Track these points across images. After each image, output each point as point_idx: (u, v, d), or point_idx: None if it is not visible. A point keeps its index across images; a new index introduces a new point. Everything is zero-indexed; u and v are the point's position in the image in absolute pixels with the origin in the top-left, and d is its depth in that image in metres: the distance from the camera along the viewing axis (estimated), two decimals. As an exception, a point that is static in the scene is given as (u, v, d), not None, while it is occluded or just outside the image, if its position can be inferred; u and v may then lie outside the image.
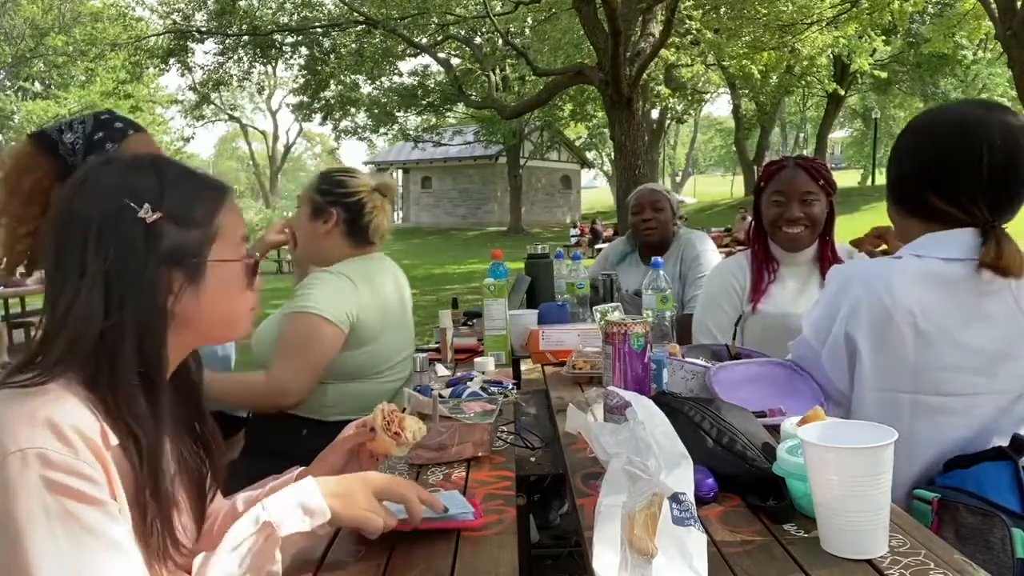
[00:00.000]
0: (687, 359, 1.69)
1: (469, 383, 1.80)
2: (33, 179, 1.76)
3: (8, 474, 0.78)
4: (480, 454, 1.35)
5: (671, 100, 20.93)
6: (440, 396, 1.57)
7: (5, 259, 1.81)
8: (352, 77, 20.07)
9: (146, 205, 0.90)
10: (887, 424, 0.93)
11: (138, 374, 0.89)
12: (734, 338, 1.80)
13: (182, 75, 19.22)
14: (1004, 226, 1.32)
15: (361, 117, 23.59)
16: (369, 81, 21.46)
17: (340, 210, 1.97)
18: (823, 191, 2.13)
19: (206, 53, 19.76)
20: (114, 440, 0.85)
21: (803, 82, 24.41)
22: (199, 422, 1.07)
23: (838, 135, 47.68)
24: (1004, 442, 1.25)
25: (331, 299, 1.86)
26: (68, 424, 0.82)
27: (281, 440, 1.81)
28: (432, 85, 23.84)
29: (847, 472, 0.89)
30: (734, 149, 39.50)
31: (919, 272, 1.29)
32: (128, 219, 0.89)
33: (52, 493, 0.79)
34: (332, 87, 20.08)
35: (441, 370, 2.06)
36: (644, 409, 0.84)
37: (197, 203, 0.95)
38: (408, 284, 2.22)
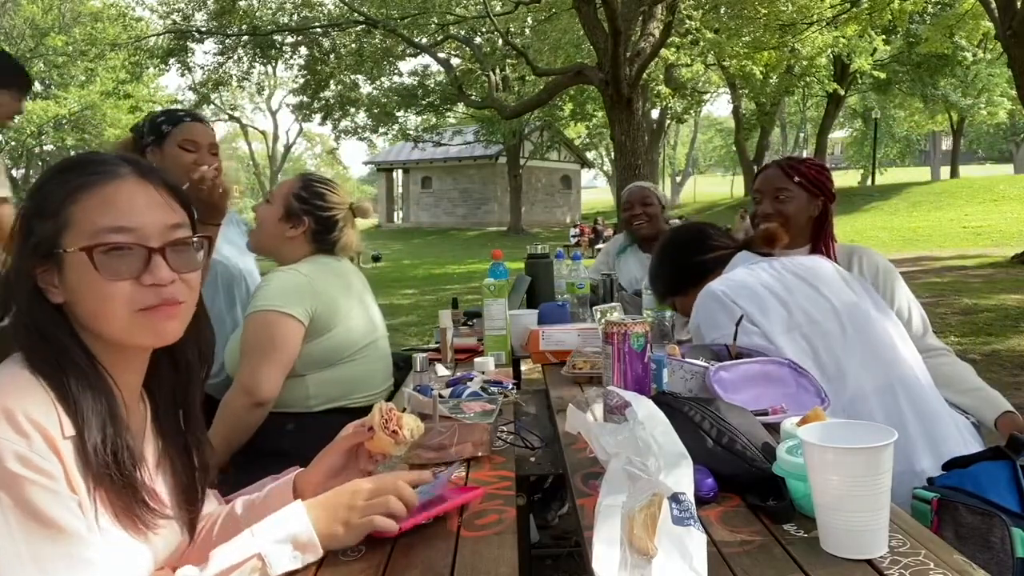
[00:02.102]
0: (687, 359, 1.69)
1: (469, 383, 1.80)
2: None
3: None
4: (480, 454, 1.35)
5: (671, 100, 20.91)
6: (440, 396, 1.57)
7: None
8: (352, 77, 20.07)
9: (30, 202, 0.95)
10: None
11: (56, 357, 0.91)
12: (735, 339, 1.79)
13: (182, 75, 19.21)
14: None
15: (361, 117, 23.58)
16: (369, 81, 21.46)
17: (312, 220, 1.98)
18: (802, 188, 2.10)
19: (206, 53, 19.74)
20: (69, 430, 0.87)
21: (803, 82, 24.39)
22: (184, 427, 1.07)
23: (838, 135, 47.65)
24: None
25: (286, 294, 1.87)
26: (23, 413, 0.84)
27: (269, 438, 1.82)
28: (432, 85, 23.84)
29: (847, 472, 0.89)
30: (734, 149, 39.49)
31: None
32: (21, 214, 0.95)
33: (4, 485, 0.80)
34: (332, 87, 20.08)
35: (441, 370, 2.06)
36: (644, 409, 0.84)
37: (53, 191, 0.94)
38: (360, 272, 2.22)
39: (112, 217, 0.92)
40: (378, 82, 21.91)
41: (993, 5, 11.54)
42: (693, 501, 0.82)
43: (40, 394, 0.87)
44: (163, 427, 1.06)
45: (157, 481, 1.02)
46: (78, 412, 0.88)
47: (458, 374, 1.98)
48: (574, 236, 19.55)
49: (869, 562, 0.90)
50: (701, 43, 13.69)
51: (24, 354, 0.91)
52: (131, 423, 0.98)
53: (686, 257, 2.01)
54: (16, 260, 0.94)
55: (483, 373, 1.99)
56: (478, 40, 19.63)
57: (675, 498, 0.80)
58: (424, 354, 2.05)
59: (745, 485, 1.11)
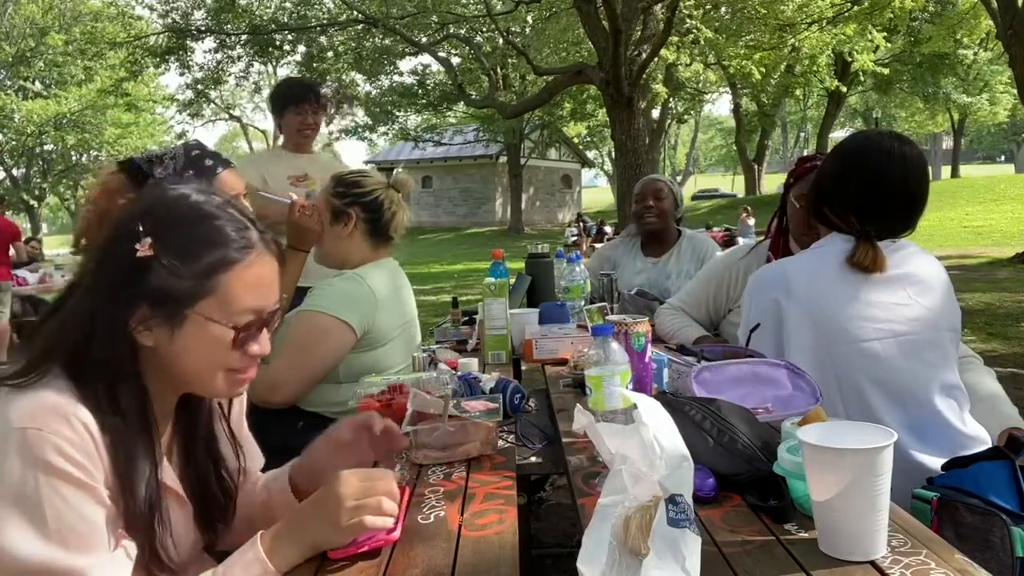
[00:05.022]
0: (681, 356, 1.69)
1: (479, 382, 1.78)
2: (123, 205, 1.80)
3: (8, 445, 0.83)
4: (489, 452, 1.36)
5: (672, 100, 20.92)
6: (453, 392, 1.56)
7: None
8: (350, 76, 20.08)
9: (147, 240, 0.91)
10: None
11: (112, 389, 0.92)
12: (752, 331, 1.77)
13: (181, 74, 19.21)
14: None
15: (360, 116, 23.59)
16: (368, 80, 21.46)
17: (359, 210, 1.99)
18: None
19: (205, 52, 19.79)
20: (101, 439, 0.89)
21: (803, 80, 24.38)
22: (213, 452, 1.10)
23: (839, 135, 47.64)
24: None
25: (347, 301, 1.88)
26: (68, 412, 0.86)
27: (278, 432, 1.82)
28: (432, 84, 23.84)
29: (846, 473, 0.89)
30: (734, 149, 39.48)
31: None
32: (126, 247, 0.92)
33: (47, 473, 0.83)
34: (329, 83, 20.07)
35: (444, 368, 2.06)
36: (648, 409, 0.84)
37: (199, 257, 0.93)
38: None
39: (257, 298, 0.97)
40: (377, 81, 21.89)
41: (994, 4, 11.53)
42: (691, 503, 0.82)
43: (78, 403, 0.89)
44: (188, 442, 1.08)
45: (173, 503, 1.02)
46: (122, 459, 0.91)
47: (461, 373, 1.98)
48: (572, 236, 19.47)
49: (871, 561, 0.90)
50: (701, 42, 13.68)
51: (78, 384, 0.90)
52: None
53: (889, 185, 1.57)
54: (113, 295, 0.92)
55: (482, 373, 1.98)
56: (478, 39, 19.63)
57: (672, 499, 0.80)
58: (427, 354, 2.04)
59: (746, 485, 1.11)
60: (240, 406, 1.20)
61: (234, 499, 1.12)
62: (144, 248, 0.90)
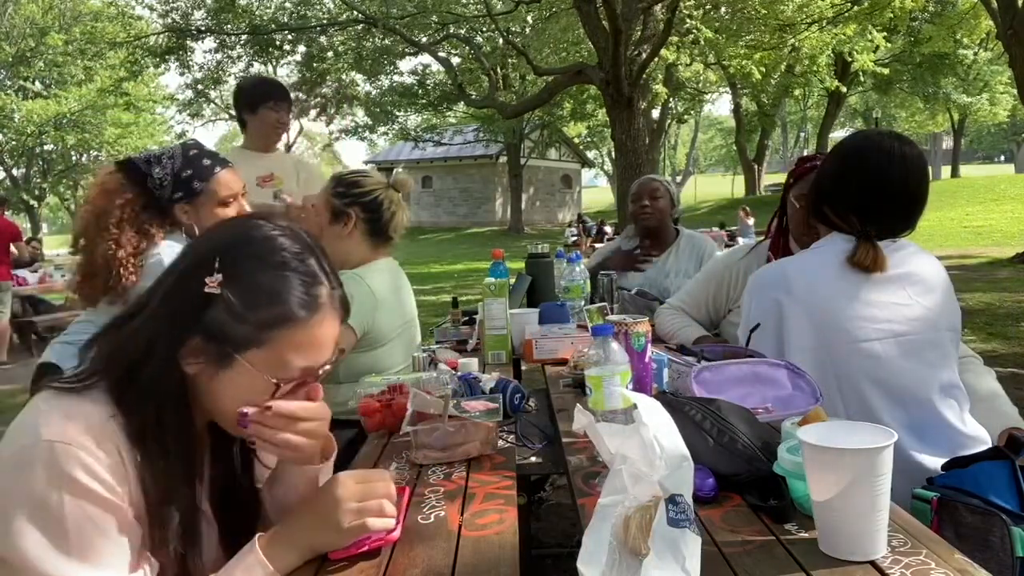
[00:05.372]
0: (681, 356, 1.69)
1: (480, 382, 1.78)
2: (122, 204, 1.81)
3: (36, 456, 0.83)
4: (489, 452, 1.36)
5: (672, 100, 20.91)
6: (453, 392, 1.56)
7: (80, 281, 1.83)
8: (350, 75, 20.09)
9: (218, 277, 0.91)
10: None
11: (156, 413, 0.92)
12: (752, 331, 1.77)
13: (181, 74, 19.22)
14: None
15: (360, 116, 23.60)
16: (368, 80, 21.46)
17: (358, 210, 1.99)
18: None
19: (205, 52, 19.79)
20: (131, 465, 0.89)
21: (803, 80, 24.38)
22: (244, 474, 1.10)
23: (839, 135, 47.61)
24: None
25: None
26: (101, 431, 0.87)
27: None
28: (432, 84, 23.84)
29: (846, 473, 0.89)
30: (734, 149, 39.49)
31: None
32: (198, 277, 0.92)
33: (71, 488, 0.83)
34: (329, 83, 20.10)
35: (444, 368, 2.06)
36: (648, 409, 0.84)
37: (261, 307, 0.92)
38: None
39: (307, 359, 0.96)
40: (377, 81, 21.90)
41: (994, 4, 11.53)
42: (691, 503, 0.82)
43: (112, 424, 0.89)
44: (220, 464, 1.08)
45: (208, 515, 1.03)
46: (158, 488, 0.91)
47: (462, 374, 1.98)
48: (572, 235, 19.44)
49: (871, 561, 0.90)
50: (701, 42, 13.68)
51: (122, 402, 0.90)
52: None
53: (889, 185, 1.57)
54: (174, 320, 0.92)
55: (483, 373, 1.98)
56: (478, 39, 19.62)
57: (672, 499, 0.80)
58: (427, 353, 2.04)
59: (746, 485, 1.11)
60: None
61: (259, 518, 1.11)
62: (213, 284, 0.91)
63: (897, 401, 1.50)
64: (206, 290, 0.91)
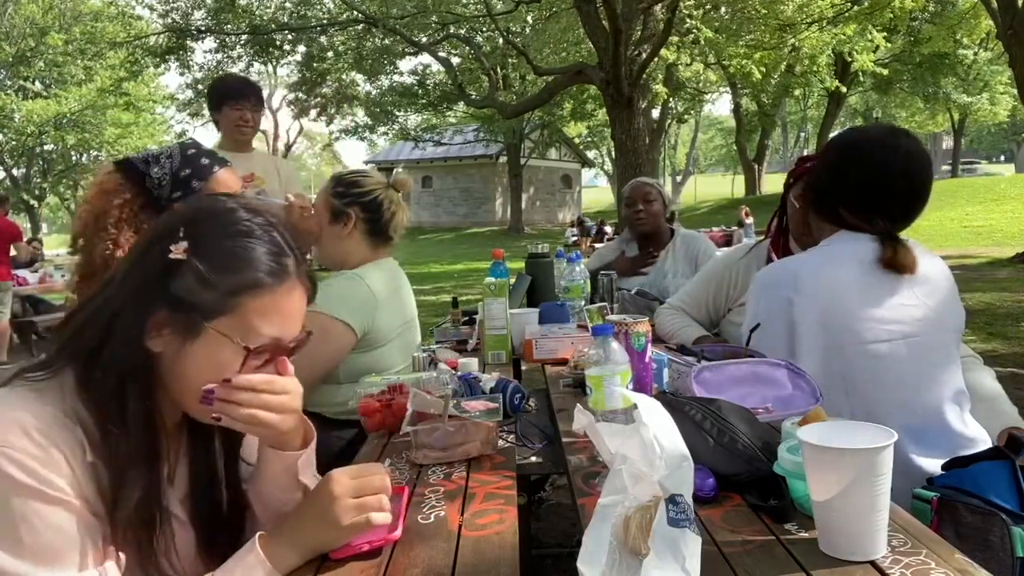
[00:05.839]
0: (681, 356, 1.69)
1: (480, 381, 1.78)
2: (120, 205, 1.81)
3: None
4: (489, 452, 1.36)
5: (672, 100, 20.91)
6: (453, 392, 1.56)
7: (79, 282, 1.83)
8: (350, 75, 20.09)
9: (184, 244, 0.90)
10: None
11: (118, 390, 0.90)
12: (752, 331, 1.77)
13: (181, 74, 19.23)
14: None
15: (360, 116, 23.61)
16: (368, 80, 21.47)
17: (358, 210, 1.99)
18: None
19: (205, 52, 19.80)
20: (90, 456, 0.87)
21: (803, 80, 24.38)
22: (220, 470, 1.08)
23: (839, 134, 47.53)
24: None
25: (346, 301, 1.88)
26: (50, 426, 0.85)
27: None
28: (432, 84, 23.84)
29: (846, 473, 0.89)
30: (735, 149, 39.49)
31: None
32: (162, 247, 0.91)
33: (13, 489, 0.82)
34: (329, 83, 20.10)
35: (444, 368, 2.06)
36: (648, 409, 0.84)
37: (229, 272, 0.92)
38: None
39: (276, 328, 0.95)
40: (377, 80, 21.90)
41: (994, 4, 11.53)
42: (691, 503, 0.82)
43: (65, 419, 0.87)
44: (197, 450, 1.06)
45: (181, 518, 1.01)
46: (118, 466, 0.89)
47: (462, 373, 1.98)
48: (572, 235, 19.45)
49: (871, 561, 0.90)
50: (701, 42, 13.68)
51: (86, 387, 0.89)
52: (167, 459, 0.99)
53: (894, 180, 1.56)
54: (140, 292, 0.91)
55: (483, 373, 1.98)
56: (478, 39, 19.62)
57: (672, 499, 0.80)
58: (428, 352, 2.04)
59: (746, 485, 1.11)
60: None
61: (243, 527, 1.09)
62: (179, 250, 0.90)
63: (902, 402, 1.50)
64: (172, 256, 0.90)
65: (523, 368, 2.39)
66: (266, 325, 0.94)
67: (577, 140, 33.88)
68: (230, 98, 3.13)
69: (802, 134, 47.88)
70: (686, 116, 31.77)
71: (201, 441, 1.05)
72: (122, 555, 0.90)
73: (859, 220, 1.58)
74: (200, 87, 20.39)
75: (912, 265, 1.52)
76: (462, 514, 1.10)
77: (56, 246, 25.46)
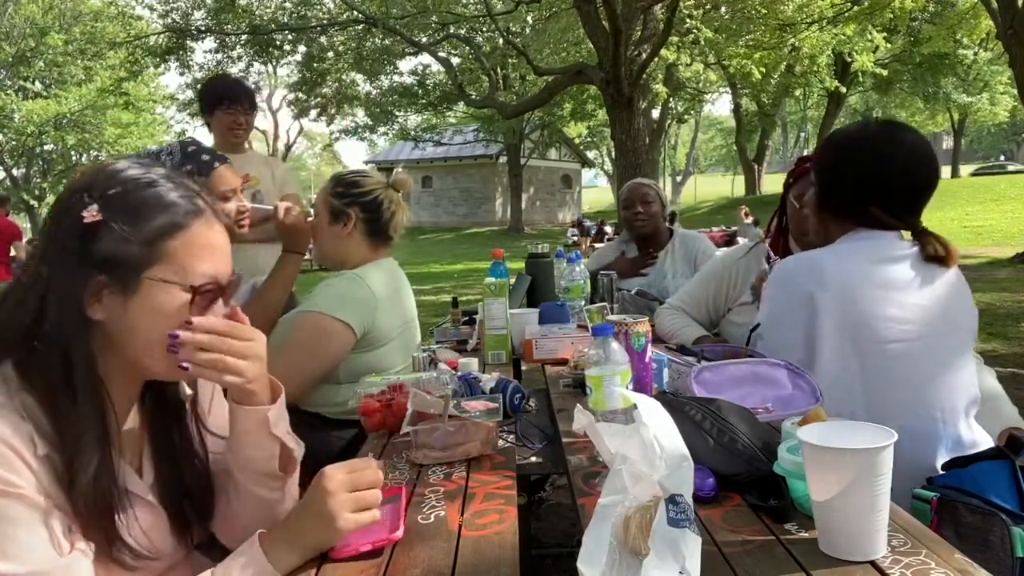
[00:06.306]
0: (681, 356, 1.69)
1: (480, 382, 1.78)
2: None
3: None
4: (489, 452, 1.36)
5: (672, 100, 20.92)
6: (453, 392, 1.57)
7: None
8: (350, 75, 20.09)
9: (94, 207, 0.90)
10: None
11: (64, 371, 0.89)
12: (755, 328, 1.77)
13: (181, 74, 19.24)
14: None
15: (360, 116, 23.62)
16: (368, 80, 21.47)
17: (358, 210, 1.99)
18: None
19: (205, 52, 19.81)
20: (42, 449, 0.86)
21: (803, 80, 24.38)
22: (186, 450, 1.07)
23: (838, 134, 47.52)
24: None
25: (347, 302, 1.88)
26: None
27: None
28: (432, 84, 23.84)
29: (846, 473, 0.89)
30: (735, 149, 39.50)
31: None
32: (73, 215, 0.91)
33: None
34: (329, 83, 20.11)
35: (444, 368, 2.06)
36: (648, 409, 0.84)
37: (147, 220, 0.92)
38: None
39: (210, 264, 0.95)
40: (377, 81, 21.90)
41: (994, 4, 11.53)
42: (691, 503, 0.82)
43: (12, 415, 0.86)
44: (160, 433, 1.05)
45: (145, 503, 0.99)
46: (69, 442, 0.88)
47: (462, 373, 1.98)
48: (573, 235, 19.46)
49: (871, 561, 0.90)
50: (701, 42, 13.68)
51: (20, 363, 0.88)
52: (123, 439, 0.98)
53: (900, 176, 1.57)
54: (65, 265, 0.90)
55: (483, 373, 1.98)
56: (478, 39, 19.62)
57: (672, 499, 0.80)
58: (428, 352, 2.04)
59: (746, 485, 1.11)
60: (221, 408, 1.13)
61: (212, 497, 1.09)
62: (92, 214, 0.90)
63: (912, 401, 1.49)
64: (86, 221, 0.89)
65: (523, 368, 2.39)
66: (198, 262, 0.94)
67: (577, 140, 33.88)
68: (223, 102, 3.11)
69: (802, 134, 47.89)
70: (686, 116, 31.79)
71: (163, 425, 1.05)
72: (91, 543, 0.89)
73: (892, 219, 1.57)
74: (200, 87, 20.39)
75: (956, 254, 1.55)
76: (462, 514, 1.10)
77: (56, 246, 25.42)
